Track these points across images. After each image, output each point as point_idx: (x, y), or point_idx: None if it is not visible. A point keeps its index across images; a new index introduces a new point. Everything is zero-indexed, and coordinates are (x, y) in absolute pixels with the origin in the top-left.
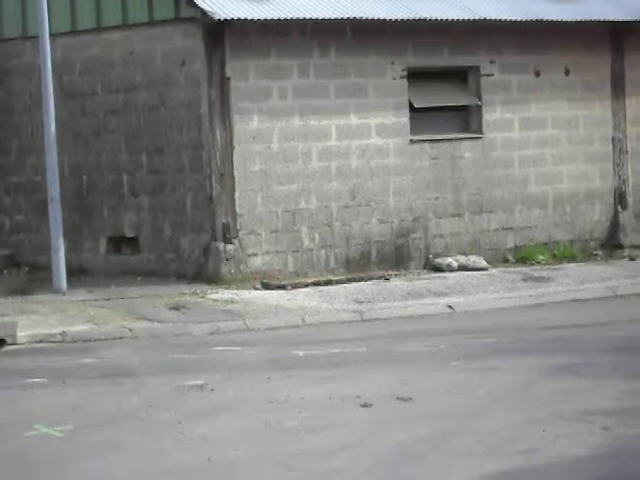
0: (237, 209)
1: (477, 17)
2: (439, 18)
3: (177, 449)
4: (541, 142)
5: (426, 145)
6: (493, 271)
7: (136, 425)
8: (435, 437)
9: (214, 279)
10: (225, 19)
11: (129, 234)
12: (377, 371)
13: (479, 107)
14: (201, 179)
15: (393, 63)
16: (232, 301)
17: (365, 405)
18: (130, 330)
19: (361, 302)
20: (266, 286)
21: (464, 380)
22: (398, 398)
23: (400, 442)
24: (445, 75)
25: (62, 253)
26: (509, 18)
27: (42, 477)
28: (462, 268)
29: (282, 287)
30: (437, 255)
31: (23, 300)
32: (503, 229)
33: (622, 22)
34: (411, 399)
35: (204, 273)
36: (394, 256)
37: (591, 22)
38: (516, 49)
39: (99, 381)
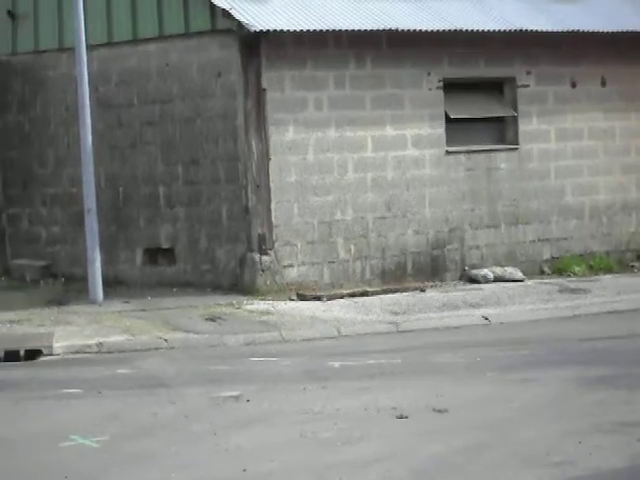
0: (273, 220)
1: (513, 28)
2: (475, 29)
3: (213, 460)
4: (577, 153)
5: (462, 156)
6: (529, 282)
7: (172, 436)
8: (471, 449)
9: (250, 290)
10: (261, 30)
11: (165, 245)
12: (413, 382)
13: (515, 118)
14: (237, 190)
15: (429, 74)
16: (268, 312)
17: (401, 416)
18: (166, 341)
19: (397, 313)
20: (302, 297)
21: (500, 392)
22: (434, 410)
23: (436, 453)
24: (481, 86)
25: (98, 264)
26: (545, 29)
27: None
28: (498, 279)
29: (318, 298)
30: (473, 266)
31: (59, 311)
32: (539, 240)
33: None
34: (447, 411)
35: (240, 284)
36: (430, 267)
37: (627, 33)
38: (552, 60)
39: (135, 392)
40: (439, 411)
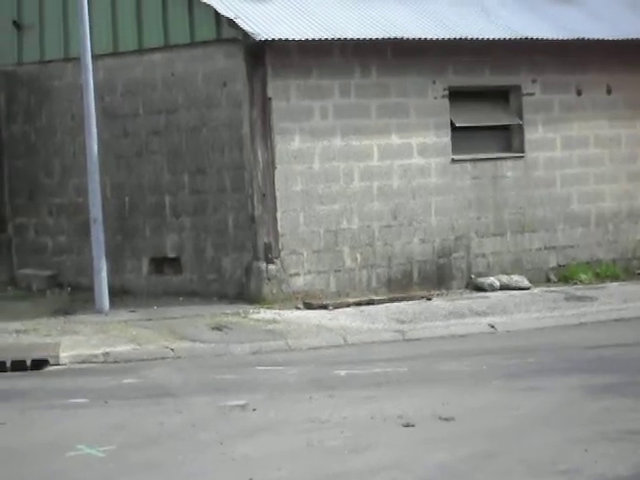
0: (279, 229)
1: (518, 36)
2: (480, 37)
3: (219, 469)
4: (583, 161)
5: (468, 165)
6: (535, 290)
7: (178, 445)
8: (476, 457)
9: (256, 299)
10: (266, 39)
11: (171, 254)
12: (419, 391)
13: (521, 126)
14: (243, 199)
15: (434, 83)
16: (274, 321)
17: (407, 425)
18: (172, 350)
19: (403, 322)
20: (308, 306)
21: (506, 400)
22: (440, 418)
23: (442, 462)
24: (486, 94)
25: (104, 273)
26: (550, 37)
27: None
28: (504, 287)
29: (324, 307)
30: (479, 274)
31: (66, 320)
32: (545, 248)
33: None
34: (453, 419)
35: (246, 293)
36: (436, 276)
37: (632, 41)
38: (557, 68)
39: (141, 401)
40: (445, 419)
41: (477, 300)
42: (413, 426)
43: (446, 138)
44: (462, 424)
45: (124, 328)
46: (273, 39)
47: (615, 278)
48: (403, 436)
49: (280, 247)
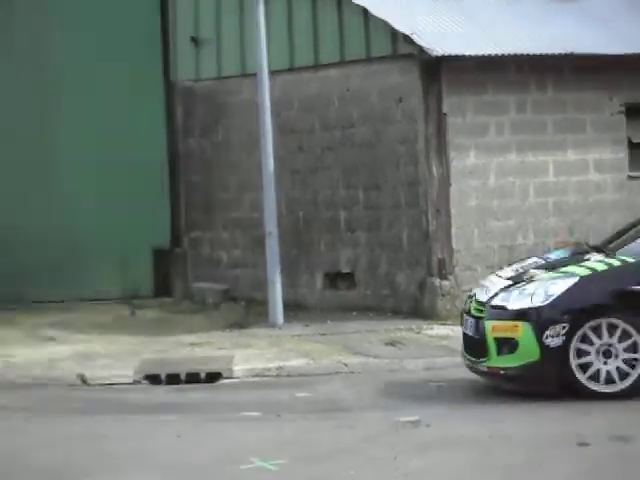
0: (453, 245)
1: None
2: None
3: None
4: None
5: None
6: None
7: (350, 460)
8: None
9: (429, 315)
10: (442, 55)
11: (345, 270)
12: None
13: None
14: (417, 215)
15: (611, 99)
16: (448, 337)
17: (581, 444)
18: (345, 365)
19: None
20: None
21: None
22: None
23: None
24: None
25: (279, 286)
26: None
27: None
28: None
29: None
30: None
31: (239, 334)
32: None
33: None
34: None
35: (419, 309)
36: None
37: None
38: None
39: (313, 415)
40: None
41: None
42: (588, 445)
43: (622, 154)
44: None
45: (298, 342)
46: (449, 55)
47: None
48: (577, 454)
49: (454, 263)
